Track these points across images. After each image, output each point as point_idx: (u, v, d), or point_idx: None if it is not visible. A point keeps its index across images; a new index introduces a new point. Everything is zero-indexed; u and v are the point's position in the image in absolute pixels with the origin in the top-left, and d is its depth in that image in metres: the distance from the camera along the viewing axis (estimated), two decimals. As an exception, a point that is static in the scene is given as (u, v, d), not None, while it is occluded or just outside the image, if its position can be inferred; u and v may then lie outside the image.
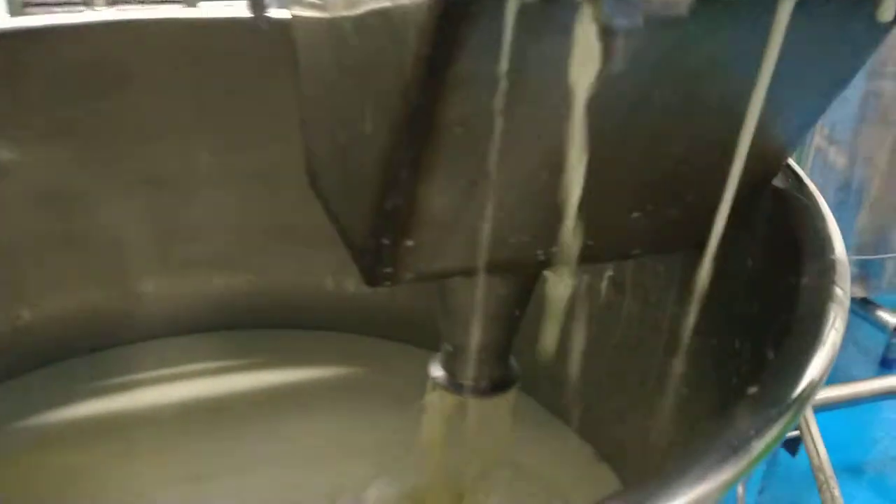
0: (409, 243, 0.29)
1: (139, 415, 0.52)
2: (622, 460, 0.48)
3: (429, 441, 0.42)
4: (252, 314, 0.61)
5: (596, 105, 0.24)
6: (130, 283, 0.58)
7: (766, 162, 0.31)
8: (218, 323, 0.60)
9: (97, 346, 0.58)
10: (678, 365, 0.42)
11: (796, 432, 0.50)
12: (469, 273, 0.32)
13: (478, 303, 0.36)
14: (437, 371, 0.40)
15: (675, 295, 0.43)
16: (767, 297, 0.31)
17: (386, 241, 0.29)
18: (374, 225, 0.29)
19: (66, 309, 0.57)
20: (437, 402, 0.40)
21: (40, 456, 0.48)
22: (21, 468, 0.47)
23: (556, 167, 0.27)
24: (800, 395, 0.20)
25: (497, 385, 0.39)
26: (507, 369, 0.39)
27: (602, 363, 0.49)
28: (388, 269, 0.30)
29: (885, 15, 0.23)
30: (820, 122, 0.70)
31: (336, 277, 0.61)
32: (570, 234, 0.29)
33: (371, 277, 0.30)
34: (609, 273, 0.47)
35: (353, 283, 0.61)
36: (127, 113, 0.54)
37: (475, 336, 0.37)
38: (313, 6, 0.32)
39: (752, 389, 0.20)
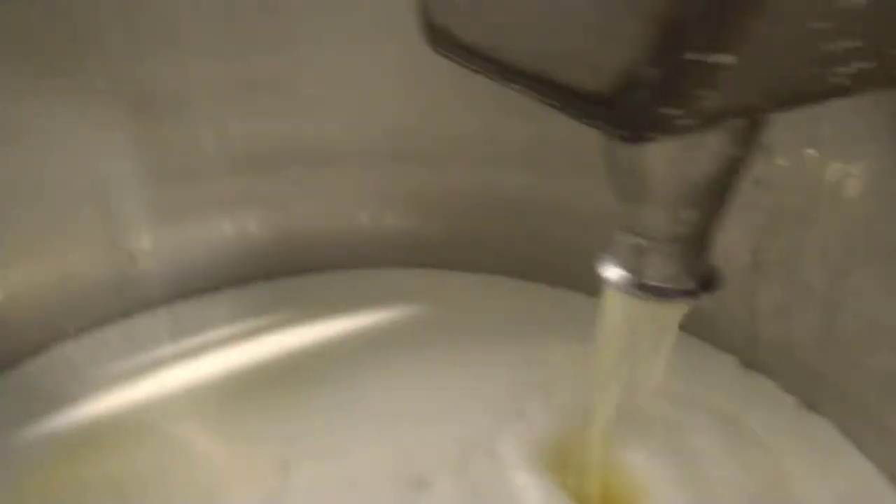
0: (727, 60, 0.19)
1: (174, 400, 0.41)
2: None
3: (600, 364, 0.32)
4: (273, 261, 0.50)
5: None
6: (121, 241, 0.46)
7: None
8: (234, 276, 0.49)
9: (87, 324, 0.46)
10: None
11: None
12: (756, 110, 0.22)
13: (704, 167, 0.26)
14: (612, 271, 0.31)
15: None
16: None
17: (691, 57, 0.19)
18: (670, 38, 0.19)
19: (43, 282, 0.44)
20: (611, 312, 0.31)
21: (65, 467, 0.36)
22: (45, 485, 0.35)
23: None
24: None
25: (704, 284, 0.30)
26: (709, 265, 0.30)
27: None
28: (674, 111, 0.20)
29: None
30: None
31: (373, 205, 0.50)
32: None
33: (639, 126, 0.21)
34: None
35: (392, 214, 0.50)
36: (88, 17, 0.41)
37: (684, 218, 0.28)
38: None
39: None
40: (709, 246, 0.30)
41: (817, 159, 0.36)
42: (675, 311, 0.31)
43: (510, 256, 0.50)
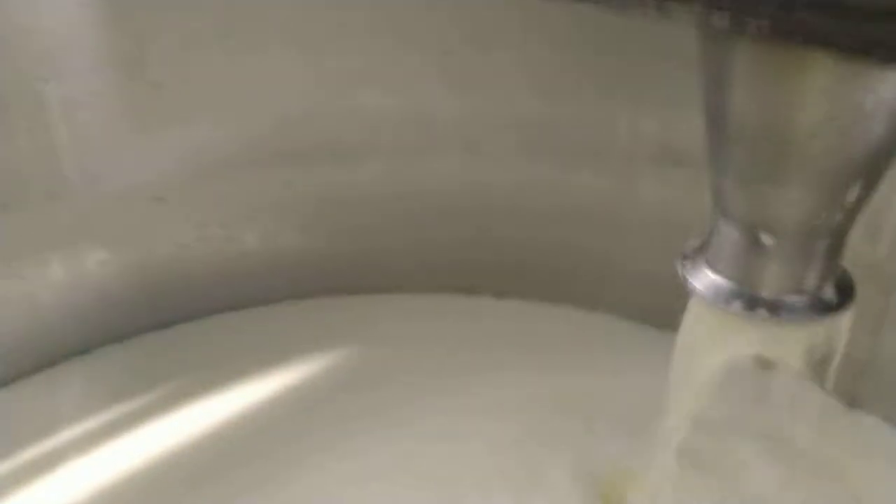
0: None
1: None
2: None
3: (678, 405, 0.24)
4: (131, 313, 0.36)
5: None
6: None
7: None
8: (78, 342, 0.35)
9: None
10: None
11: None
12: None
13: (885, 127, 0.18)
14: (704, 278, 0.21)
15: None
16: None
17: None
18: None
19: None
20: (702, 331, 0.22)
21: None
22: None
23: None
24: None
25: (842, 295, 0.22)
26: (843, 272, 0.22)
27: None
28: None
29: None
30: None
31: (261, 222, 0.37)
32: None
33: None
34: None
35: (286, 232, 0.38)
36: None
37: (849, 200, 0.20)
38: None
39: None
40: (844, 245, 0.21)
41: None
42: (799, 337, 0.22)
43: (445, 269, 0.39)
